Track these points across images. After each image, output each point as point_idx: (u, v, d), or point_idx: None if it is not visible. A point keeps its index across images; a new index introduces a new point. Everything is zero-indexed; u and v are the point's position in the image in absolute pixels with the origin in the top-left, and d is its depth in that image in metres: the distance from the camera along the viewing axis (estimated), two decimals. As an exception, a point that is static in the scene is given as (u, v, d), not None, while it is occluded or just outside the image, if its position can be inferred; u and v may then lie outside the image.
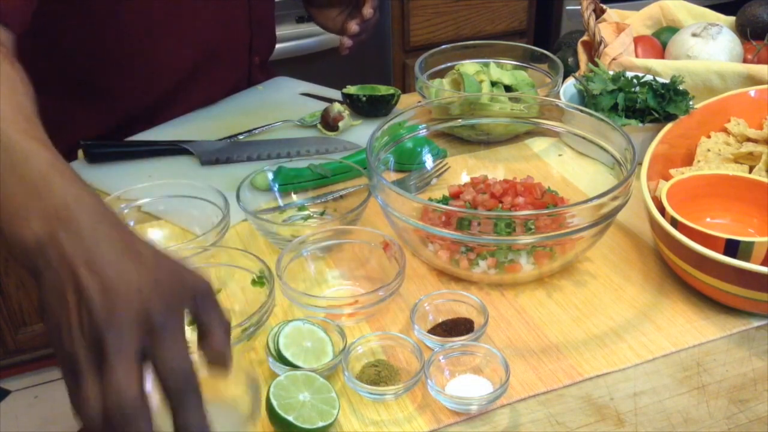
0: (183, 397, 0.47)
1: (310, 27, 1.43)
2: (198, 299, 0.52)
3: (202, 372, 0.51)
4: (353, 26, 1.12)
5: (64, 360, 0.48)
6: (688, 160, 0.92)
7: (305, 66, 1.57)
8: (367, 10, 1.11)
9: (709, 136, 0.93)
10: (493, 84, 1.09)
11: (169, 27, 1.04)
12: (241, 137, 1.06)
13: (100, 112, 1.09)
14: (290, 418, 0.59)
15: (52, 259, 0.49)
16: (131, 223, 0.87)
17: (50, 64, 1.04)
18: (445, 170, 0.95)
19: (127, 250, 0.50)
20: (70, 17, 0.99)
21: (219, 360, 0.51)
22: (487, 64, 1.12)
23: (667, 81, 0.97)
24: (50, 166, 0.54)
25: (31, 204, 0.51)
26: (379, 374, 0.66)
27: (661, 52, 1.16)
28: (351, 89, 1.12)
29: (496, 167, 0.96)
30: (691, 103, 0.94)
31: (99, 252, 0.49)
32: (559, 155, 0.97)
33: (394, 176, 0.93)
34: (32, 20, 0.82)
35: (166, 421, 0.47)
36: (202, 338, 0.52)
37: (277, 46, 1.32)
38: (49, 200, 0.51)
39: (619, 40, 1.10)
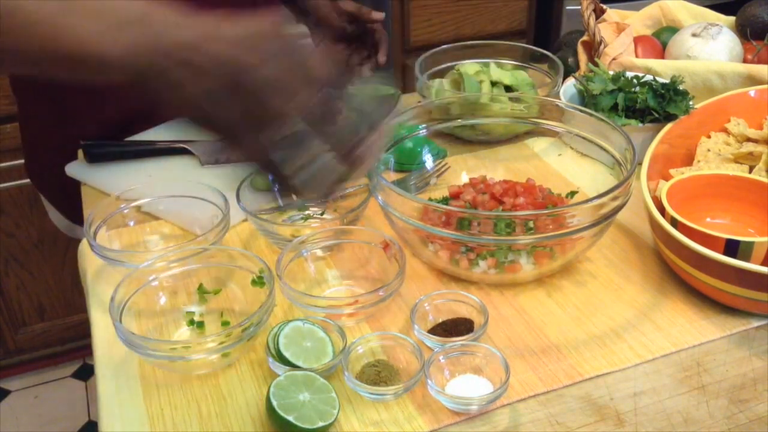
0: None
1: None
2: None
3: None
4: (366, 72, 1.18)
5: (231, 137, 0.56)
6: (688, 160, 0.92)
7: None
8: (382, 58, 1.18)
9: (709, 136, 0.93)
10: (493, 84, 1.09)
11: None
12: (241, 137, 1.06)
13: (97, 110, 1.09)
14: (290, 418, 0.59)
15: (197, 61, 0.52)
16: (131, 224, 0.87)
17: None
18: (445, 170, 0.95)
19: (221, 22, 0.54)
20: None
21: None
22: (487, 64, 1.12)
23: (667, 81, 0.97)
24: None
25: (103, 21, 0.52)
26: (379, 374, 0.66)
27: (661, 52, 1.16)
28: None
29: (496, 167, 0.96)
30: (691, 103, 0.94)
31: (195, 36, 0.52)
32: (559, 155, 0.97)
33: (394, 176, 0.93)
34: None
35: None
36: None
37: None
38: (121, 12, 0.53)
39: (619, 40, 1.10)
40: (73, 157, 1.04)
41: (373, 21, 1.17)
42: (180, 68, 0.52)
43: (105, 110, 1.09)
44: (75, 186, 1.00)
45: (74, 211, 0.99)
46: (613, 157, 0.83)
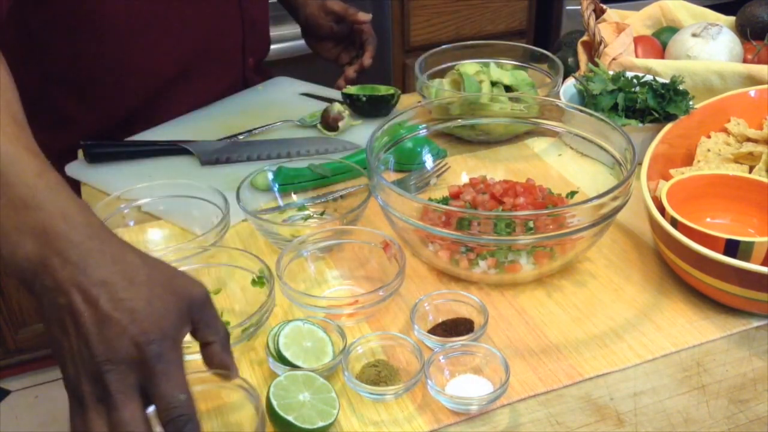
0: (182, 430, 0.49)
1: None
2: (194, 310, 0.53)
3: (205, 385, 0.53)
4: (351, 73, 1.19)
5: (70, 389, 0.50)
6: (688, 160, 0.92)
7: (305, 66, 1.57)
8: (367, 61, 1.19)
9: (709, 136, 0.93)
10: (493, 84, 1.09)
11: (156, 26, 1.04)
12: (241, 137, 1.06)
13: (94, 111, 1.09)
14: (290, 418, 0.59)
15: (47, 284, 0.50)
16: (131, 224, 0.87)
17: (44, 65, 1.04)
18: (445, 170, 0.95)
19: (117, 267, 0.51)
20: (61, 17, 0.99)
21: (221, 368, 0.54)
22: (487, 64, 1.12)
23: (667, 81, 0.96)
24: (37, 176, 0.54)
25: (20, 221, 0.51)
26: (379, 374, 0.66)
27: (661, 52, 1.16)
28: (351, 89, 1.12)
29: (496, 167, 0.96)
30: (691, 103, 0.94)
31: (90, 274, 0.50)
32: (559, 155, 0.97)
33: (394, 176, 0.93)
34: (24, 21, 0.80)
35: None
36: (203, 349, 0.52)
37: (276, 46, 1.32)
38: (38, 217, 0.51)
39: (619, 40, 1.10)
40: (73, 156, 1.04)
41: (359, 22, 1.18)
42: (51, 305, 0.50)
43: (99, 117, 1.09)
44: (73, 189, 0.99)
45: None
46: (613, 157, 0.83)
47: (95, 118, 1.09)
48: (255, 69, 1.25)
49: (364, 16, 1.18)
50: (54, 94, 1.07)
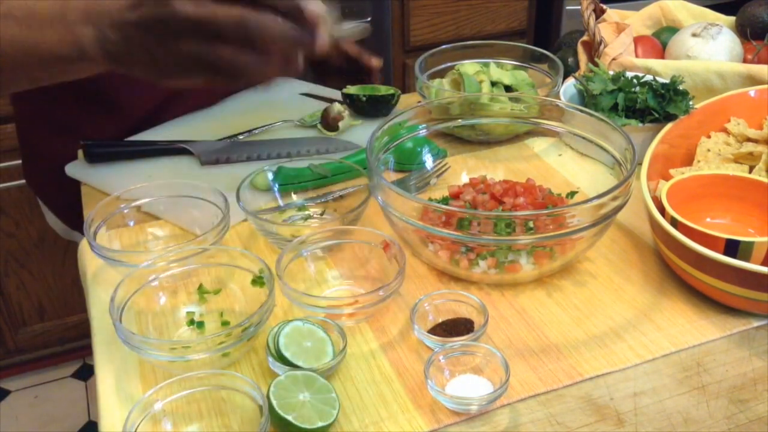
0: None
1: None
2: None
3: None
4: None
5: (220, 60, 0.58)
6: (688, 160, 0.92)
7: (305, 66, 1.57)
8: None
9: (709, 136, 0.93)
10: (493, 84, 1.09)
11: None
12: (241, 137, 1.06)
13: (102, 114, 1.09)
14: (290, 418, 0.59)
15: (114, 38, 0.60)
16: (131, 224, 0.87)
17: None
18: (445, 170, 0.95)
19: None
20: None
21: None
22: (487, 64, 1.12)
23: (667, 81, 0.97)
24: None
25: (67, 24, 0.61)
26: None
27: (661, 52, 1.16)
28: (351, 89, 1.12)
29: (496, 167, 0.96)
30: (691, 103, 0.94)
31: (130, 4, 0.59)
32: (559, 155, 0.97)
33: (394, 176, 0.93)
34: None
35: None
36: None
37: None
38: (74, 13, 0.61)
39: (619, 40, 1.10)
40: (73, 156, 1.04)
41: (372, 69, 1.17)
42: (134, 38, 0.60)
43: (102, 117, 1.09)
44: (72, 191, 0.99)
45: (72, 216, 0.99)
46: (613, 157, 0.83)
47: (103, 122, 1.09)
48: None
49: (377, 63, 1.18)
50: (63, 97, 1.07)
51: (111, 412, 0.65)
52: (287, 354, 0.65)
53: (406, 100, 1.16)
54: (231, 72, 0.60)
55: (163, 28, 0.58)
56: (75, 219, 0.96)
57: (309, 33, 0.60)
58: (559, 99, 1.00)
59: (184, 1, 0.57)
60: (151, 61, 0.60)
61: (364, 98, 1.09)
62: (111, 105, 1.08)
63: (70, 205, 1.00)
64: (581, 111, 0.87)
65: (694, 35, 1.11)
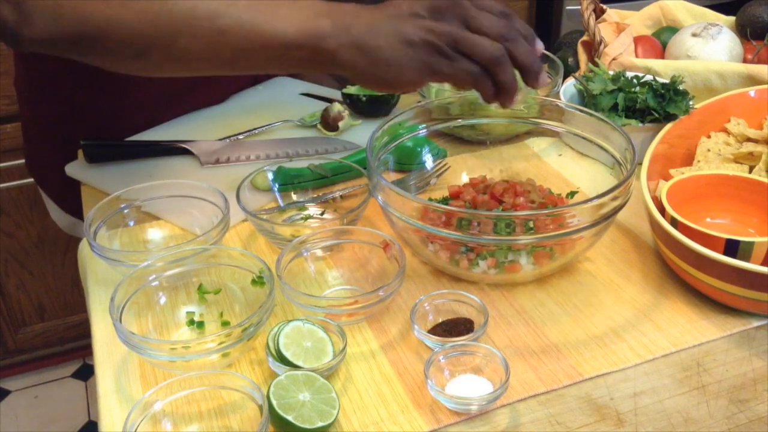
0: (513, 36, 0.68)
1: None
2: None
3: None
4: None
5: (434, 55, 0.67)
6: (688, 160, 0.92)
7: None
8: None
9: (709, 136, 0.93)
10: (493, 84, 1.09)
11: None
12: (241, 137, 1.06)
13: (99, 108, 1.09)
14: (290, 418, 0.59)
15: (357, 30, 0.67)
16: (131, 224, 0.87)
17: (61, 62, 1.04)
18: (445, 170, 0.95)
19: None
20: None
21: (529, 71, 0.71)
22: (487, 64, 1.12)
23: (667, 81, 0.97)
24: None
25: (307, 12, 0.67)
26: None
27: (661, 52, 1.16)
28: (351, 89, 1.12)
29: (496, 167, 0.96)
30: (691, 103, 0.94)
31: (376, 11, 0.68)
32: (559, 155, 0.97)
33: (394, 176, 0.93)
34: None
35: None
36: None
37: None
38: (313, 7, 0.68)
39: (619, 40, 1.10)
40: (76, 153, 1.04)
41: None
42: (376, 38, 0.66)
43: (107, 107, 1.09)
44: (77, 183, 1.00)
45: (76, 207, 0.99)
46: (613, 157, 0.83)
47: (103, 115, 1.09)
48: None
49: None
50: (62, 89, 1.06)
51: (111, 412, 0.65)
52: (287, 354, 0.65)
53: (406, 100, 1.16)
54: (455, 82, 0.69)
55: (418, 23, 0.66)
56: (79, 210, 0.96)
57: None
58: (559, 99, 1.00)
59: (446, 17, 0.66)
60: (391, 54, 0.66)
61: (364, 98, 1.09)
62: (111, 104, 1.08)
63: (74, 195, 1.00)
64: (581, 111, 0.87)
65: (694, 35, 1.11)
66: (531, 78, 0.70)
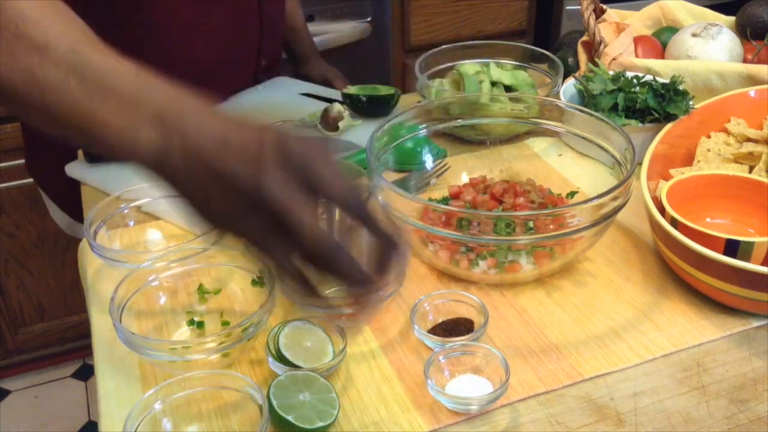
0: (361, 211, 0.53)
1: (311, 27, 1.44)
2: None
3: None
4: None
5: (248, 236, 0.54)
6: (688, 160, 0.92)
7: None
8: None
9: (709, 136, 0.93)
10: (493, 84, 1.09)
11: (190, 28, 1.04)
12: (241, 137, 1.06)
13: None
14: (290, 418, 0.59)
15: (175, 160, 0.53)
16: (131, 224, 0.87)
17: None
18: (445, 170, 0.95)
19: (233, 124, 0.55)
20: (90, 16, 0.99)
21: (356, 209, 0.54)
22: (487, 64, 1.12)
23: (667, 81, 0.97)
24: (136, 76, 0.57)
25: (134, 116, 0.54)
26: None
27: (661, 52, 1.16)
28: (351, 89, 1.12)
29: (496, 167, 0.96)
30: (691, 103, 0.94)
31: (211, 135, 0.53)
32: (559, 155, 0.97)
33: (394, 176, 0.93)
34: None
35: None
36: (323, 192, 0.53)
37: (277, 46, 1.32)
38: (149, 108, 0.54)
39: (619, 40, 1.10)
40: (75, 153, 1.04)
41: None
42: (199, 175, 0.53)
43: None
44: (77, 184, 1.00)
45: (76, 208, 0.99)
46: (613, 157, 0.83)
47: None
48: (266, 71, 1.25)
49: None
50: None
51: (111, 412, 0.65)
52: (287, 354, 0.65)
53: (406, 100, 1.16)
54: (275, 263, 0.56)
55: (238, 189, 0.52)
56: (79, 211, 0.96)
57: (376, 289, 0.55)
58: (559, 99, 1.00)
59: (277, 179, 0.51)
60: (200, 200, 0.54)
61: (364, 98, 1.09)
62: None
63: (73, 197, 1.00)
64: (581, 111, 0.87)
65: (694, 35, 1.11)
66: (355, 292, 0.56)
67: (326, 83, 1.30)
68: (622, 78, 0.99)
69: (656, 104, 0.94)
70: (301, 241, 0.51)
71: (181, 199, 0.55)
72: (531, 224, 0.70)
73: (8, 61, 0.56)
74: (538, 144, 1.00)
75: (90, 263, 0.83)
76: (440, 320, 0.72)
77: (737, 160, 0.89)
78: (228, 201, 0.53)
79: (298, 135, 0.54)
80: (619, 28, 1.14)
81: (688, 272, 0.74)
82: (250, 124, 0.55)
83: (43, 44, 0.56)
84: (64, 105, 0.56)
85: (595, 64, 1.06)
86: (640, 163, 0.85)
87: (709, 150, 0.90)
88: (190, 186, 0.54)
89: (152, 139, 0.54)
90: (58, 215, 1.20)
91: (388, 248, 0.54)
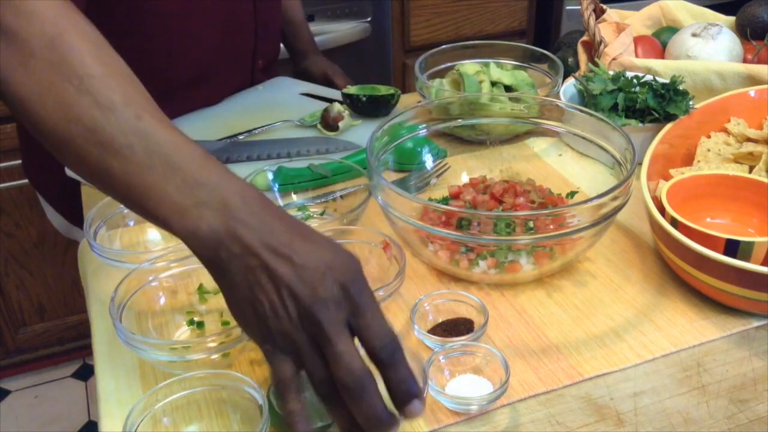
0: (394, 357, 0.53)
1: (311, 27, 1.44)
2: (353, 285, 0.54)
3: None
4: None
5: (282, 342, 0.53)
6: (688, 160, 0.92)
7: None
8: None
9: (709, 136, 0.93)
10: (493, 84, 1.09)
11: (183, 26, 1.04)
12: (241, 137, 1.06)
13: None
14: (290, 418, 0.59)
15: (235, 250, 0.53)
16: (131, 224, 0.87)
17: None
18: (445, 170, 0.95)
19: (297, 230, 0.55)
20: (90, 16, 0.99)
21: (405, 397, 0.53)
22: (487, 64, 1.12)
23: (667, 81, 0.97)
24: (204, 158, 0.56)
25: (198, 198, 0.54)
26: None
27: (661, 52, 1.16)
28: (351, 89, 1.12)
29: (496, 167, 0.96)
30: (691, 103, 0.94)
31: (277, 236, 0.53)
32: (559, 155, 0.97)
33: (394, 176, 0.93)
34: None
35: None
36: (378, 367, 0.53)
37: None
38: (215, 193, 0.54)
39: (619, 40, 1.10)
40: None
41: None
42: (252, 275, 0.53)
43: None
44: (74, 187, 1.00)
45: (73, 212, 0.99)
46: (613, 157, 0.83)
47: None
48: (264, 71, 1.25)
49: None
50: None
51: (111, 412, 0.65)
52: (287, 354, 0.65)
53: (406, 100, 1.16)
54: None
55: (288, 302, 0.52)
56: (75, 215, 0.96)
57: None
58: (559, 99, 1.00)
59: (332, 311, 0.51)
60: (242, 295, 0.54)
61: (364, 98, 1.09)
62: None
63: (70, 200, 1.00)
64: (581, 111, 0.87)
65: (694, 35, 1.11)
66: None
67: (326, 79, 1.30)
68: (622, 78, 0.99)
69: (656, 104, 0.94)
70: (336, 369, 0.52)
71: (222, 290, 0.56)
72: (531, 224, 0.70)
73: (68, 114, 0.56)
74: (538, 144, 1.00)
75: (90, 263, 0.83)
76: (440, 320, 0.72)
77: (737, 160, 0.89)
78: (271, 308, 0.53)
79: (361, 270, 0.54)
80: (619, 28, 1.14)
81: (688, 272, 0.74)
82: (316, 236, 0.55)
83: (109, 106, 0.56)
84: (125, 171, 0.55)
85: (595, 64, 1.06)
86: (640, 163, 0.85)
87: (709, 150, 0.90)
88: (238, 280, 0.54)
89: (214, 225, 0.53)
90: (54, 218, 1.20)
91: (404, 401, 0.54)
